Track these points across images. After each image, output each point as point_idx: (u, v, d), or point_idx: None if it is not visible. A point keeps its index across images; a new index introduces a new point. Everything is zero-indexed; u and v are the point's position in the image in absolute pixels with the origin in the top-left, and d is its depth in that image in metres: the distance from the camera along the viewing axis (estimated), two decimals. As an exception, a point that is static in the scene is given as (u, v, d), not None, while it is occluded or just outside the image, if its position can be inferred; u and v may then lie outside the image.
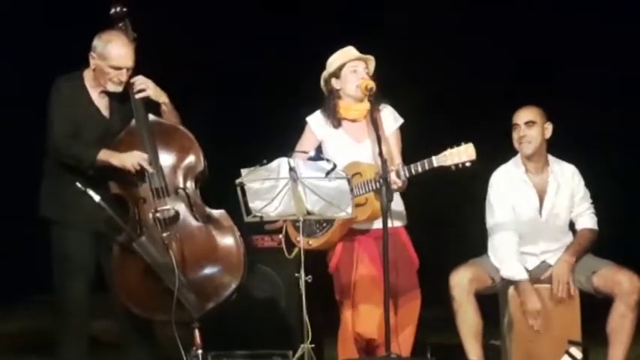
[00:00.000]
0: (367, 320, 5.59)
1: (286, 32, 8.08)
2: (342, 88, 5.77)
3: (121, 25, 5.78)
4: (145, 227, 5.57)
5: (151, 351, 5.76)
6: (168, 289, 5.45)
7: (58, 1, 7.91)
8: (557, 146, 6.00)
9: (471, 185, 5.98)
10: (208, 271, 5.59)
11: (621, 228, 6.98)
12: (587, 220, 5.94)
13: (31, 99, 6.09)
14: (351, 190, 5.32)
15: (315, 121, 5.83)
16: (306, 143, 5.78)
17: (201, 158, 5.69)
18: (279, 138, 6.00)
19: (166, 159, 5.66)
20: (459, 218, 6.09)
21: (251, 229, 5.90)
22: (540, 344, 5.75)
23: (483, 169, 5.82)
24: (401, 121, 5.81)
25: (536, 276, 5.83)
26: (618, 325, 5.66)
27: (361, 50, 5.79)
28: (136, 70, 5.70)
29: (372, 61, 5.79)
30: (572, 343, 5.72)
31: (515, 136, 5.92)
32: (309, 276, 5.44)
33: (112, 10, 5.80)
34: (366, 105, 5.68)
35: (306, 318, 5.39)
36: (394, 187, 5.48)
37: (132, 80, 5.68)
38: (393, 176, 5.45)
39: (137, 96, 5.67)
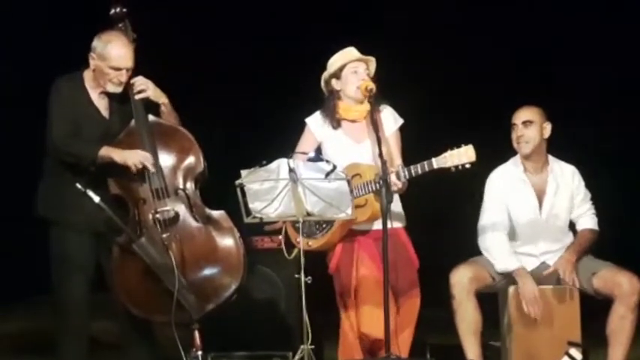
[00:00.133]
0: (372, 320, 5.58)
1: (286, 32, 8.07)
2: (343, 89, 5.77)
3: (120, 25, 5.78)
4: (144, 228, 5.57)
5: (150, 352, 5.75)
6: (168, 290, 5.45)
7: (58, 1, 7.90)
8: (556, 146, 6.00)
9: (471, 185, 5.98)
10: (208, 272, 5.58)
11: (621, 229, 6.97)
12: (588, 221, 5.94)
13: (31, 99, 6.08)
14: (351, 191, 5.32)
15: (315, 122, 5.83)
16: (306, 144, 5.78)
17: (201, 159, 5.68)
18: (279, 139, 6.00)
19: (166, 160, 5.66)
20: (459, 219, 6.08)
21: (251, 230, 5.90)
22: (540, 345, 5.75)
23: (483, 170, 5.82)
24: (401, 121, 5.81)
25: (537, 277, 5.83)
26: (618, 326, 5.65)
27: (361, 51, 5.79)
28: (136, 71, 5.70)
29: (372, 62, 5.79)
30: (571, 344, 5.72)
31: (513, 135, 5.92)
32: (309, 277, 5.44)
33: (112, 11, 5.79)
34: (365, 106, 5.68)
35: (306, 319, 5.39)
36: (394, 188, 5.48)
37: (132, 81, 5.67)
38: (392, 178, 5.45)
39: (137, 97, 5.67)
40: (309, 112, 5.88)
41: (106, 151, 5.52)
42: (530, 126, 5.87)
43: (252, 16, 8.18)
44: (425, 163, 5.45)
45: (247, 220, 5.41)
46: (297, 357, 5.46)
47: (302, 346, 5.43)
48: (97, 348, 5.97)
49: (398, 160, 5.70)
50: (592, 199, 5.98)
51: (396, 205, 5.72)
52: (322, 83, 5.83)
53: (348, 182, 5.31)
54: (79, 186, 5.41)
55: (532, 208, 5.90)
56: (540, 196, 5.91)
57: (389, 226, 5.33)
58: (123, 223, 5.50)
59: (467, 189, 6.07)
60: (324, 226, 5.64)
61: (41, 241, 5.70)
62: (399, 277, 5.49)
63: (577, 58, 7.92)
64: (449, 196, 7.20)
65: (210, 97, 8.04)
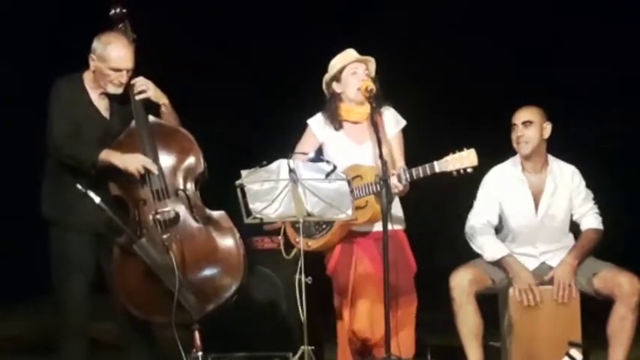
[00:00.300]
0: (362, 317, 5.60)
1: (286, 32, 8.07)
2: (344, 91, 5.77)
3: (120, 26, 5.77)
4: (145, 229, 5.57)
5: (150, 352, 5.75)
6: (168, 291, 5.45)
7: (59, 1, 7.90)
8: (556, 146, 6.00)
9: (471, 187, 5.98)
10: (208, 272, 5.58)
11: (621, 229, 6.96)
12: (592, 221, 5.93)
13: (31, 99, 6.07)
14: (351, 191, 5.32)
15: (316, 123, 5.83)
16: (307, 145, 5.78)
17: (201, 160, 5.68)
18: (279, 139, 6.00)
19: (166, 160, 5.66)
20: (459, 219, 6.08)
21: (251, 230, 5.90)
22: (540, 345, 5.75)
23: (483, 171, 5.81)
24: (403, 123, 5.81)
25: (537, 277, 5.83)
26: (618, 326, 5.65)
27: (361, 52, 5.79)
28: (136, 71, 5.70)
29: (372, 62, 5.79)
30: (572, 344, 5.72)
31: (513, 136, 5.92)
32: (309, 277, 5.44)
33: (112, 11, 5.79)
34: (367, 107, 5.67)
35: (305, 319, 5.39)
36: (395, 190, 5.48)
37: (132, 81, 5.67)
38: (394, 180, 5.45)
39: (137, 97, 5.67)
40: (310, 112, 5.88)
41: (107, 155, 5.51)
42: (530, 126, 5.87)
43: (252, 16, 8.18)
44: (427, 166, 5.45)
45: (247, 220, 5.41)
46: (297, 357, 5.45)
47: (302, 347, 5.43)
48: (97, 349, 5.97)
49: (400, 162, 5.70)
50: (595, 201, 5.97)
51: (396, 208, 5.72)
52: (324, 86, 5.83)
53: (349, 182, 5.30)
54: (79, 187, 5.41)
55: (528, 208, 5.90)
56: (537, 197, 5.91)
57: (389, 227, 5.33)
58: (123, 223, 5.50)
59: (467, 190, 6.07)
60: (323, 226, 5.65)
61: (41, 241, 5.70)
62: (398, 278, 5.49)
63: (577, 58, 7.91)
64: (449, 197, 7.18)
65: (210, 97, 8.03)
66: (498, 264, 5.81)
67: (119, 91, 5.63)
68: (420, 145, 5.74)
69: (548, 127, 5.91)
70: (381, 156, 5.36)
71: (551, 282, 5.81)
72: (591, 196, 5.97)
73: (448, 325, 5.79)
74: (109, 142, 5.60)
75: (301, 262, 5.44)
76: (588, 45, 7.85)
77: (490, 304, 5.89)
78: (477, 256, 5.91)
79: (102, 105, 5.69)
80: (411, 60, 7.73)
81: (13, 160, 7.71)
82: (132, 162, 5.53)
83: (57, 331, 5.71)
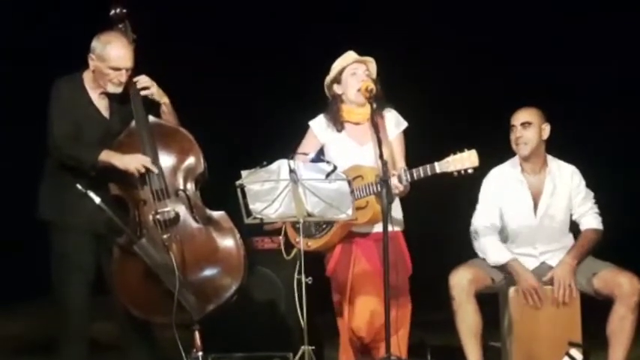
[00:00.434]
0: (359, 316, 5.61)
1: (286, 32, 8.07)
2: (344, 93, 5.78)
3: (120, 26, 5.78)
4: (145, 229, 5.57)
5: (150, 353, 5.75)
6: (168, 291, 5.45)
7: (59, 1, 7.89)
8: (556, 146, 6.00)
9: (471, 187, 5.98)
10: (208, 272, 5.58)
11: (621, 229, 6.96)
12: (591, 220, 5.93)
13: (31, 99, 6.07)
14: (352, 192, 5.32)
15: (318, 125, 5.83)
16: (308, 147, 5.78)
17: (202, 160, 5.68)
18: (280, 139, 6.00)
19: (166, 160, 5.66)
20: (460, 220, 6.08)
21: (251, 230, 5.91)
22: (540, 346, 5.75)
23: (483, 172, 5.81)
24: (404, 125, 5.81)
25: (537, 277, 5.83)
26: (618, 326, 5.65)
27: (362, 52, 5.79)
28: (137, 71, 5.70)
29: (372, 63, 5.79)
30: (572, 344, 5.72)
31: (512, 137, 5.92)
32: (310, 277, 5.44)
33: (112, 12, 5.79)
34: (368, 108, 5.66)
35: (305, 319, 5.39)
36: (396, 191, 5.48)
37: (135, 79, 5.67)
38: (394, 181, 5.45)
39: (141, 93, 5.67)
40: (310, 113, 5.88)
41: (107, 156, 5.51)
42: (528, 127, 5.87)
43: (252, 16, 8.18)
44: (427, 166, 5.45)
45: (248, 220, 5.41)
46: (297, 357, 5.45)
47: (302, 347, 5.43)
48: (97, 349, 5.96)
49: (401, 163, 5.70)
50: (595, 200, 5.97)
51: (396, 209, 5.71)
52: (325, 88, 5.83)
53: (349, 183, 5.30)
54: (79, 187, 5.41)
55: (527, 209, 5.90)
56: (536, 197, 5.91)
57: (389, 228, 5.33)
58: (123, 224, 5.50)
59: (467, 191, 6.07)
60: (323, 226, 5.65)
61: (42, 242, 5.70)
62: (397, 280, 5.49)
63: (577, 58, 7.91)
64: (449, 197, 7.18)
65: (210, 97, 8.03)
66: (502, 267, 5.81)
67: (119, 90, 5.64)
68: (421, 146, 5.73)
69: (546, 128, 5.90)
70: (381, 156, 5.36)
71: (551, 282, 5.81)
72: (591, 195, 5.96)
73: (448, 325, 5.79)
74: (109, 142, 5.60)
75: (301, 262, 5.43)
76: (588, 45, 7.85)
77: (490, 303, 5.89)
78: (477, 255, 5.91)
79: (102, 105, 5.69)
80: (411, 61, 7.72)
81: (13, 160, 7.71)
82: (132, 162, 5.53)
83: (57, 331, 5.71)
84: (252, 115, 8.15)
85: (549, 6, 7.88)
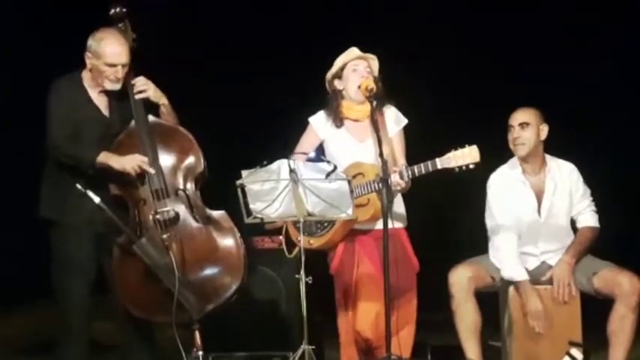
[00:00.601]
0: (366, 319, 5.59)
1: (286, 32, 8.06)
2: (344, 88, 5.77)
3: (120, 25, 5.79)
4: (144, 229, 5.57)
5: (150, 352, 5.75)
6: (168, 291, 5.45)
7: (58, 1, 7.89)
8: (556, 147, 6.00)
9: (471, 185, 5.98)
10: (208, 272, 5.59)
11: (621, 229, 6.96)
12: (588, 218, 5.93)
13: (31, 99, 6.07)
14: (352, 191, 5.31)
15: (318, 121, 5.83)
16: (307, 143, 5.78)
17: (201, 159, 5.69)
18: (280, 139, 6.00)
19: (166, 160, 5.66)
20: (460, 219, 6.08)
21: (251, 230, 5.89)
22: (541, 345, 5.74)
23: (484, 170, 5.81)
24: (404, 122, 5.80)
25: (537, 277, 5.83)
26: (618, 326, 5.65)
27: (362, 50, 5.79)
28: (137, 71, 5.70)
29: (374, 60, 5.78)
30: (572, 344, 5.72)
31: (509, 137, 5.92)
32: (310, 277, 5.44)
33: (112, 11, 5.81)
34: (368, 105, 5.65)
35: (305, 319, 5.38)
36: (397, 188, 5.48)
37: (133, 81, 5.68)
38: (396, 177, 5.45)
39: (137, 96, 5.67)
40: (311, 112, 5.88)
41: (105, 158, 5.52)
42: (526, 128, 5.87)
43: (253, 16, 8.18)
44: (429, 163, 5.44)
45: (248, 220, 5.41)
46: (297, 357, 5.45)
47: (302, 346, 5.42)
48: (97, 349, 5.97)
49: (401, 160, 5.69)
50: (592, 198, 5.97)
51: (398, 206, 5.72)
52: (326, 83, 5.83)
53: (349, 182, 5.30)
54: (79, 187, 5.41)
55: (531, 209, 5.89)
56: (539, 197, 5.90)
57: (390, 226, 5.33)
58: (123, 223, 5.50)
59: (467, 189, 6.07)
60: (325, 225, 5.64)
61: (42, 241, 5.70)
62: (398, 278, 5.48)
63: (577, 58, 7.90)
64: (450, 195, 7.19)
65: (210, 97, 8.03)
66: (512, 282, 5.81)
67: (117, 87, 5.64)
68: (422, 142, 5.73)
69: (544, 129, 5.90)
70: (381, 155, 5.36)
71: (550, 282, 5.81)
72: (589, 192, 5.97)
73: (448, 325, 5.79)
74: (108, 140, 5.60)
75: (302, 261, 5.43)
76: (588, 45, 7.85)
77: (490, 303, 5.89)
78: (479, 254, 5.91)
79: (101, 103, 5.69)
80: (412, 60, 7.72)
81: (14, 160, 7.71)
82: (128, 162, 5.53)
83: (57, 331, 5.71)
84: (253, 115, 8.14)
85: (549, 5, 7.87)
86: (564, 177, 5.93)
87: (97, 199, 5.40)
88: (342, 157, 5.62)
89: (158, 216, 5.56)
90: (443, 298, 5.79)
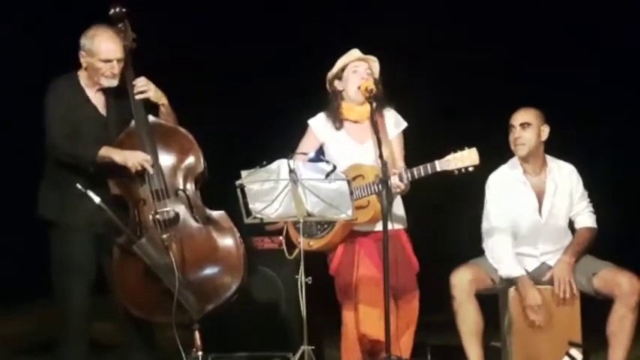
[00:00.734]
0: (371, 321, 5.58)
1: (287, 32, 8.06)
2: (345, 89, 5.78)
3: (120, 25, 5.78)
4: (144, 229, 5.57)
5: (150, 353, 5.75)
6: (168, 291, 5.45)
7: (58, 1, 7.89)
8: (556, 147, 6.00)
9: (472, 187, 5.98)
10: (208, 272, 5.59)
11: (621, 229, 6.97)
12: (586, 219, 5.94)
13: (31, 99, 6.06)
14: (351, 192, 5.31)
15: (317, 123, 5.83)
16: (307, 146, 5.77)
17: (201, 159, 5.69)
18: (280, 139, 5.99)
19: (166, 160, 5.66)
20: (461, 220, 6.08)
21: (251, 230, 5.90)
22: (541, 345, 5.75)
23: (484, 171, 5.81)
24: (404, 125, 5.80)
25: (537, 278, 5.83)
26: (618, 326, 5.66)
27: (363, 52, 5.79)
28: (137, 71, 5.70)
29: (375, 62, 5.78)
30: (572, 344, 5.72)
31: (510, 137, 5.93)
32: (309, 277, 5.44)
33: (112, 11, 5.80)
34: (368, 107, 5.65)
35: (305, 319, 5.38)
36: (397, 190, 5.48)
37: (133, 82, 5.68)
38: (395, 180, 5.45)
39: (138, 97, 5.67)
40: (311, 113, 5.88)
41: (107, 151, 5.52)
42: (527, 128, 5.87)
43: (253, 16, 8.17)
44: (428, 165, 5.45)
45: (247, 220, 5.41)
46: (297, 357, 5.45)
47: (302, 347, 5.42)
48: (97, 349, 5.97)
49: (400, 163, 5.69)
50: (592, 199, 5.97)
51: (398, 207, 5.72)
52: (327, 83, 5.83)
53: (349, 183, 5.30)
54: (79, 187, 5.41)
55: (532, 210, 5.90)
56: (540, 197, 5.91)
57: (390, 227, 5.33)
58: (123, 224, 5.50)
59: (467, 190, 6.06)
60: (325, 226, 5.64)
61: (42, 242, 5.70)
62: (399, 279, 5.48)
63: (577, 58, 7.90)
64: (450, 197, 7.19)
65: (210, 97, 8.03)
66: (510, 279, 5.82)
67: (114, 83, 5.64)
68: (421, 143, 5.73)
69: (545, 130, 5.90)
70: (380, 156, 5.36)
71: (550, 282, 5.81)
72: (586, 194, 5.98)
73: (448, 325, 5.79)
74: (107, 139, 5.60)
75: (301, 262, 5.43)
76: (588, 45, 7.84)
77: (490, 304, 5.89)
78: (479, 255, 5.91)
79: (99, 102, 5.70)
80: (411, 61, 7.72)
81: (14, 161, 7.70)
82: (131, 157, 5.53)
83: (57, 331, 5.71)
84: (253, 115, 8.14)
85: (550, 5, 7.87)
86: (564, 178, 5.94)
87: (97, 199, 5.40)
88: (342, 159, 5.62)
89: (158, 216, 5.56)
90: (442, 298, 5.79)
